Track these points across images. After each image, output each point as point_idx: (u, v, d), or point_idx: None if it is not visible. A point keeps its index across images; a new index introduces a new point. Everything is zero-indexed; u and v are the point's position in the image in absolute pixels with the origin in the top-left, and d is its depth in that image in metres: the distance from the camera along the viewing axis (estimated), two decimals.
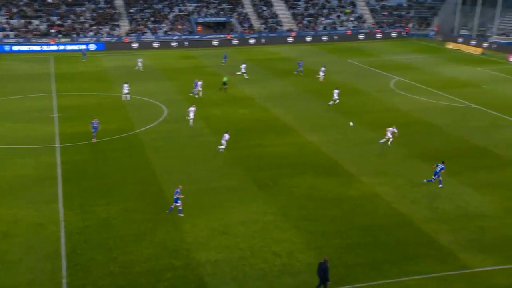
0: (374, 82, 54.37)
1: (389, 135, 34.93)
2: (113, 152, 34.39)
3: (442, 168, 28.88)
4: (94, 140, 35.78)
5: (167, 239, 23.82)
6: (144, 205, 26.99)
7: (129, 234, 24.19)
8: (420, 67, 62.10)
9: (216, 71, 60.53)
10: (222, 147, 34.38)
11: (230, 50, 75.32)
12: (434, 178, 29.01)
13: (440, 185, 28.87)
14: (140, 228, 24.74)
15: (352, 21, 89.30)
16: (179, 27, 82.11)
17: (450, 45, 77.44)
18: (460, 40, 79.00)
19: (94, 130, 36.02)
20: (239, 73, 56.54)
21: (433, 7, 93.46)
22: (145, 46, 77.20)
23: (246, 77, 55.57)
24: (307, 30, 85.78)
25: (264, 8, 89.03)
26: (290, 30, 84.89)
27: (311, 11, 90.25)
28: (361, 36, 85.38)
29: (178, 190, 25.85)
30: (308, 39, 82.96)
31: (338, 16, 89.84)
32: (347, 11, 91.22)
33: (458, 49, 75.15)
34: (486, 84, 52.72)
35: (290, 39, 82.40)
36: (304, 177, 30.42)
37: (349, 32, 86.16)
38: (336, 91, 44.94)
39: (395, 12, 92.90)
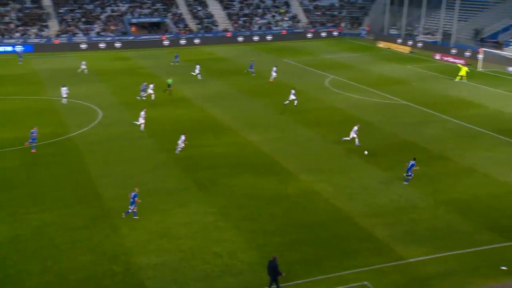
0: (310, 81, 55.33)
1: (354, 134, 35.31)
2: (46, 157, 33.06)
3: (413, 165, 29.40)
4: (33, 150, 33.85)
5: (106, 244, 23.18)
6: (80, 211, 26.13)
7: (65, 241, 23.35)
8: (354, 65, 63.82)
9: (153, 72, 59.57)
10: (179, 148, 33.69)
11: (166, 51, 74.44)
12: (409, 174, 29.51)
13: (405, 182, 29.44)
14: (76, 234, 23.93)
15: (286, 21, 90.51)
16: (112, 28, 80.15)
17: (381, 44, 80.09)
18: (399, 41, 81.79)
19: (32, 140, 33.85)
20: (194, 73, 56.17)
21: (363, 7, 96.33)
22: (77, 47, 74.77)
23: (200, 78, 55.25)
24: (243, 30, 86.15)
25: (199, 8, 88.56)
26: (226, 30, 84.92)
27: (246, 11, 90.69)
28: (296, 36, 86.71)
29: (135, 193, 25.22)
30: (241, 39, 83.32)
31: (273, 16, 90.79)
32: (282, 11, 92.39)
33: (389, 48, 77.86)
34: (415, 81, 54.91)
35: (240, 39, 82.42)
36: (244, 176, 30.50)
37: (284, 32, 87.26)
38: (292, 91, 45.07)
39: (328, 12, 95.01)
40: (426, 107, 44.71)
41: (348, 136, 35.40)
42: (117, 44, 76.50)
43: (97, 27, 79.49)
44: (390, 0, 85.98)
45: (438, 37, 76.71)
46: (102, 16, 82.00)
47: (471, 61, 63.85)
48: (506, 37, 69.24)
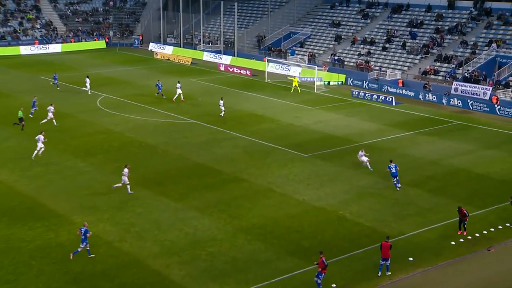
0: (78, 102, 53.97)
1: (365, 158, 36.75)
2: None
3: (395, 166, 33.40)
4: None
5: None
6: None
7: None
8: (129, 81, 64.05)
9: None
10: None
11: None
12: (396, 180, 33.44)
13: (398, 185, 33.58)
14: None
15: (39, 29, 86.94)
16: None
17: (159, 55, 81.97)
18: (169, 49, 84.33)
19: None
20: (84, 88, 57.11)
21: (134, 12, 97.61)
22: None
23: (90, 93, 56.43)
24: None
25: None
26: None
27: None
28: (52, 47, 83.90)
29: (86, 228, 25.59)
30: None
31: (21, 23, 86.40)
32: (30, 16, 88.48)
33: (168, 59, 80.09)
34: (201, 96, 57.40)
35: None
36: None
37: (36, 43, 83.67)
38: (221, 101, 49.11)
39: (91, 18, 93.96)
40: (214, 124, 46.99)
41: (366, 163, 36.75)
42: None
43: None
44: (163, 4, 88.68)
45: (220, 46, 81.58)
46: None
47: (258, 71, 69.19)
48: (288, 45, 76.85)
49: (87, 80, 57.54)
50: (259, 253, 26.56)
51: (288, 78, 63.39)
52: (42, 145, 37.95)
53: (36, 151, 37.76)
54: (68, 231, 28.11)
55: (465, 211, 28.21)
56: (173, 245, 27.16)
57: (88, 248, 25.72)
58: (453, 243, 27.55)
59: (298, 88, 59.76)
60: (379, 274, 24.59)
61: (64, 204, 31.19)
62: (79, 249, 25.56)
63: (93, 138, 42.79)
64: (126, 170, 32.79)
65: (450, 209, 30.99)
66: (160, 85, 56.04)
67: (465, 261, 26.13)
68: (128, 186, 32.65)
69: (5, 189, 33.14)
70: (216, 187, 34.08)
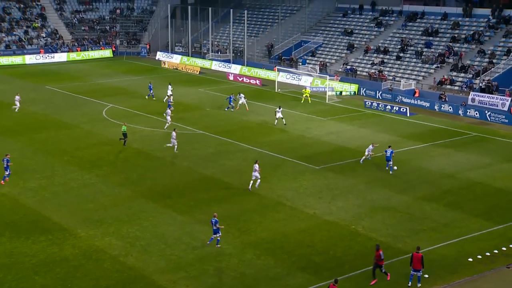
0: (83, 112, 54.26)
1: (368, 154, 40.17)
2: None
3: (391, 152, 38.15)
4: None
5: None
6: None
7: None
8: (136, 90, 64.38)
9: None
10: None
11: None
12: (391, 163, 38.05)
13: (395, 167, 37.98)
14: None
15: (44, 37, 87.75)
16: None
17: (166, 64, 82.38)
18: (176, 57, 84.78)
19: None
20: (167, 96, 57.99)
21: (141, 21, 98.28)
22: None
23: (171, 102, 56.26)
24: None
25: None
26: None
27: None
28: (57, 56, 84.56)
29: (216, 219, 27.95)
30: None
31: (26, 32, 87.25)
32: (36, 25, 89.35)
33: (176, 68, 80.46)
34: (209, 107, 57.56)
35: None
36: None
37: (42, 52, 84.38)
38: (278, 109, 50.81)
39: (97, 27, 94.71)
40: (224, 136, 47.08)
41: (365, 155, 40.32)
42: None
43: None
44: (171, 13, 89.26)
45: (229, 55, 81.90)
46: None
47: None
48: (299, 54, 77.01)
49: (169, 87, 58.89)
50: (268, 269, 26.50)
51: (303, 90, 63.20)
52: (176, 141, 41.91)
53: (174, 146, 42.04)
54: (72, 246, 28.18)
55: (380, 253, 24.87)
56: (180, 259, 27.17)
57: (219, 239, 28.15)
58: (470, 259, 27.35)
59: (309, 98, 59.79)
60: (409, 284, 24.75)
61: (69, 217, 31.29)
62: (212, 237, 28.21)
63: (98, 150, 42.97)
64: (256, 165, 35.21)
65: (467, 225, 30.85)
66: (232, 99, 55.73)
67: (483, 278, 25.92)
68: (259, 181, 35.19)
69: (8, 202, 33.29)
70: (225, 200, 34.10)
